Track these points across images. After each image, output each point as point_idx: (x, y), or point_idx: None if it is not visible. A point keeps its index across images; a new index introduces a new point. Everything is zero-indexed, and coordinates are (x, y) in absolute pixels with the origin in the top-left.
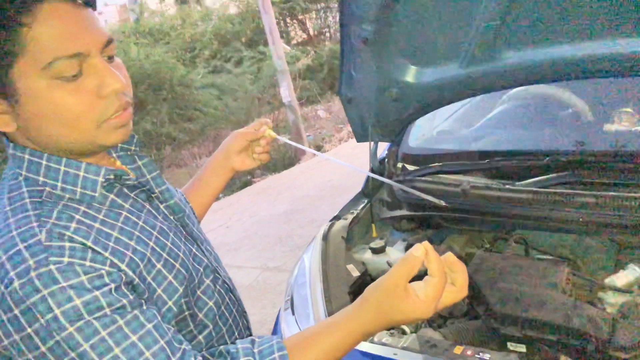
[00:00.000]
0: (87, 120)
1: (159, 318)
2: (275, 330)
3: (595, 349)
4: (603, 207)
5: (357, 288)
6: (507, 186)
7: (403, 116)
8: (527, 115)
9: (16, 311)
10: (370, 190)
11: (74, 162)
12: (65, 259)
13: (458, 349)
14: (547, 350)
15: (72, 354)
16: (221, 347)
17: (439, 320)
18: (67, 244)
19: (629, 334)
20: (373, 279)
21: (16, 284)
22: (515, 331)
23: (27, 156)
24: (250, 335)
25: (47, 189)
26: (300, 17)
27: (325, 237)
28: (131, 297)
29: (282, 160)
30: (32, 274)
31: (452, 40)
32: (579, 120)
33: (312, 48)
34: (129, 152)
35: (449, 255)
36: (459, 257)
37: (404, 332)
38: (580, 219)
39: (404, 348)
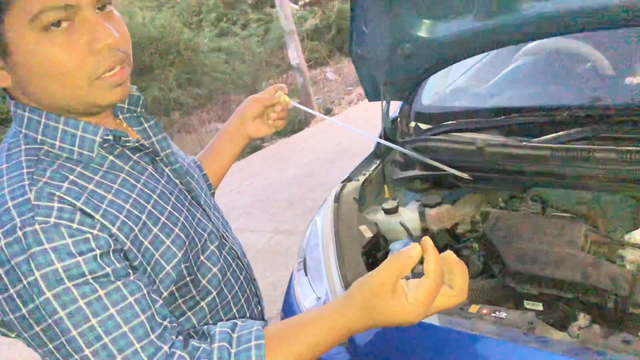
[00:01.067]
0: (79, 76)
1: (144, 291)
2: (289, 292)
3: (614, 305)
4: (624, 162)
5: (370, 249)
6: (524, 143)
7: (416, 74)
8: (544, 71)
9: (1, 270)
10: (382, 151)
11: (73, 121)
12: (52, 220)
13: (474, 308)
14: (566, 308)
15: (49, 321)
16: (205, 327)
17: None
18: (56, 205)
19: None
20: (386, 240)
21: (2, 242)
22: (532, 289)
23: (26, 114)
24: (259, 302)
25: (45, 147)
26: None
27: (337, 199)
28: (118, 265)
29: (291, 124)
30: (19, 232)
31: None
32: (599, 74)
33: (320, 8)
34: (134, 114)
35: (449, 254)
36: (474, 217)
37: None
38: (601, 175)
39: None
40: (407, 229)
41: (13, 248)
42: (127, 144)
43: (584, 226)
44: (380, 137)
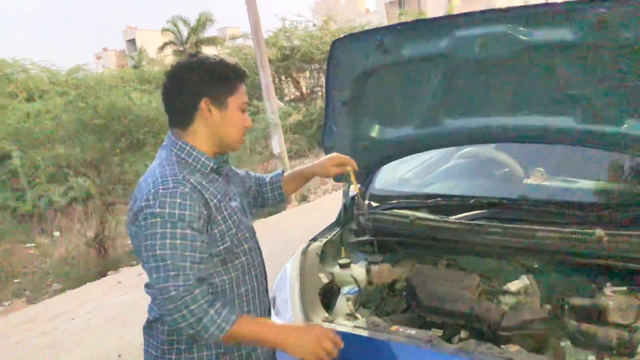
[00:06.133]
0: (241, 132)
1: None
2: None
3: (488, 328)
4: (506, 235)
5: (326, 291)
6: (442, 218)
7: (371, 163)
8: (469, 171)
9: (152, 202)
10: (342, 220)
11: (204, 153)
12: (187, 190)
13: (394, 327)
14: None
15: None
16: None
17: (383, 314)
18: (188, 184)
19: (512, 320)
20: (338, 287)
21: (160, 191)
22: (436, 318)
23: (181, 144)
24: (267, 292)
25: (183, 161)
26: (294, 75)
27: (304, 252)
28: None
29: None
30: (172, 189)
31: (407, 108)
32: (511, 177)
33: (304, 105)
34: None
35: None
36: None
37: (355, 318)
38: (491, 242)
39: (356, 326)
40: (355, 280)
41: (167, 197)
42: (220, 170)
43: (477, 278)
44: (340, 212)
